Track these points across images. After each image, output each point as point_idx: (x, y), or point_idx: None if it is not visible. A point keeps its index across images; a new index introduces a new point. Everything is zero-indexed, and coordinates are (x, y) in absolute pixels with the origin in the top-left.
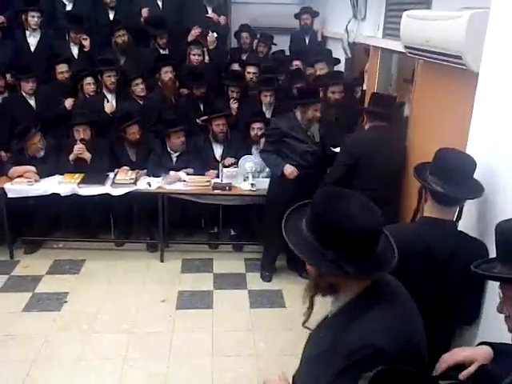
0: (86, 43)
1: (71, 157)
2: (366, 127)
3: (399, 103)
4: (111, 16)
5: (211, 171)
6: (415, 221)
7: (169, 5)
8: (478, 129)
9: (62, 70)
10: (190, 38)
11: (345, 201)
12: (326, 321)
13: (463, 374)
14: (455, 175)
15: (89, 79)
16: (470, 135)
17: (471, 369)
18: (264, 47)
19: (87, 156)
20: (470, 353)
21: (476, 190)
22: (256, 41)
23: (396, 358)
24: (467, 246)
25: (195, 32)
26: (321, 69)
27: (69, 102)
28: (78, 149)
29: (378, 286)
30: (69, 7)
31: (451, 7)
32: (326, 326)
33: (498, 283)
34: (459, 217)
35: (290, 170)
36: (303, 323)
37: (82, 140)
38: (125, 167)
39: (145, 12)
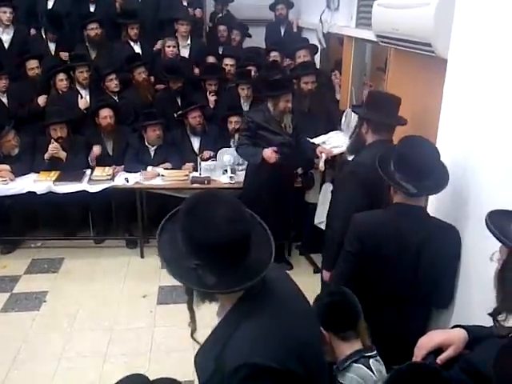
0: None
1: (46, 156)
2: (369, 140)
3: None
4: (92, 9)
5: (187, 164)
6: (388, 208)
7: None
8: (447, 114)
9: (33, 66)
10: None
11: (212, 208)
12: (208, 336)
13: (441, 358)
14: (422, 171)
15: (61, 75)
16: (440, 121)
17: (449, 353)
18: (237, 35)
19: (62, 155)
20: (447, 336)
21: (444, 179)
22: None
23: (281, 369)
24: (439, 231)
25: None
26: (304, 56)
27: (41, 99)
28: (53, 148)
29: (252, 291)
30: (51, 2)
31: None
32: (208, 344)
33: (469, 262)
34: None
35: (268, 152)
36: (191, 335)
37: (58, 139)
38: (95, 147)
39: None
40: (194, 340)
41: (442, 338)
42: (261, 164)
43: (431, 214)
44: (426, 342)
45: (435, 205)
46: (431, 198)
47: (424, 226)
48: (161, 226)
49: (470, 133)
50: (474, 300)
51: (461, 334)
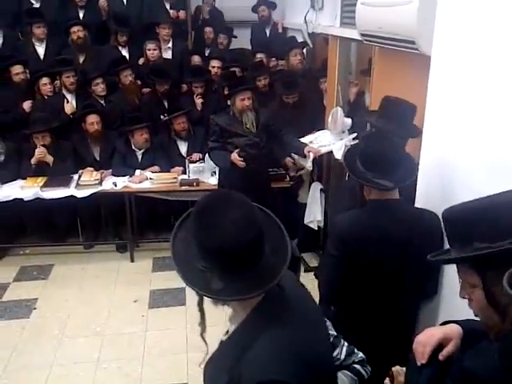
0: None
1: (33, 160)
2: None
3: (362, 92)
4: (81, 15)
5: (176, 168)
6: (366, 207)
7: (133, 1)
8: (432, 112)
9: (18, 71)
10: None
11: (221, 212)
12: (221, 345)
13: (444, 354)
14: (388, 165)
15: (44, 80)
16: (425, 119)
17: (451, 348)
18: (224, 39)
19: (49, 159)
20: (447, 332)
21: (412, 168)
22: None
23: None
24: (421, 219)
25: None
26: (299, 54)
27: (27, 105)
28: (40, 152)
29: (269, 299)
30: (36, 6)
31: None
32: (221, 353)
33: None
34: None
35: (233, 156)
36: (200, 334)
37: (42, 145)
38: (89, 168)
39: (103, 2)
40: (203, 339)
41: (443, 334)
42: (231, 168)
43: (421, 206)
44: (428, 338)
45: (425, 197)
46: (420, 196)
47: (406, 217)
48: (177, 223)
49: (456, 130)
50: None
51: (457, 329)
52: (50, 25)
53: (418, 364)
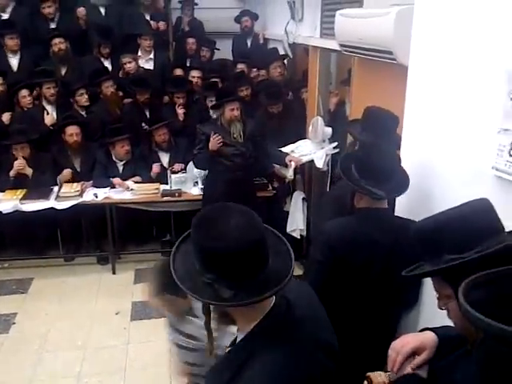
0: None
1: (12, 173)
2: None
3: (342, 102)
4: (53, 26)
5: (155, 166)
6: (355, 214)
7: (111, 12)
8: (410, 119)
9: None
10: None
11: (222, 218)
12: (224, 356)
13: (415, 363)
14: (383, 174)
15: (24, 92)
16: (403, 126)
17: (424, 357)
18: (207, 52)
19: (28, 171)
20: (422, 340)
21: (405, 181)
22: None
23: None
24: (408, 228)
25: None
26: (279, 66)
27: (5, 117)
28: (19, 164)
29: (273, 314)
30: (5, 15)
31: (381, 5)
32: (223, 364)
33: None
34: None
35: (210, 143)
36: (209, 353)
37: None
38: (66, 169)
39: (82, 11)
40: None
41: (418, 343)
42: (216, 177)
43: (400, 214)
44: (402, 346)
45: (404, 205)
46: (399, 203)
47: (393, 227)
48: (176, 245)
49: (433, 136)
50: None
51: (433, 338)
52: (22, 36)
53: (389, 370)
